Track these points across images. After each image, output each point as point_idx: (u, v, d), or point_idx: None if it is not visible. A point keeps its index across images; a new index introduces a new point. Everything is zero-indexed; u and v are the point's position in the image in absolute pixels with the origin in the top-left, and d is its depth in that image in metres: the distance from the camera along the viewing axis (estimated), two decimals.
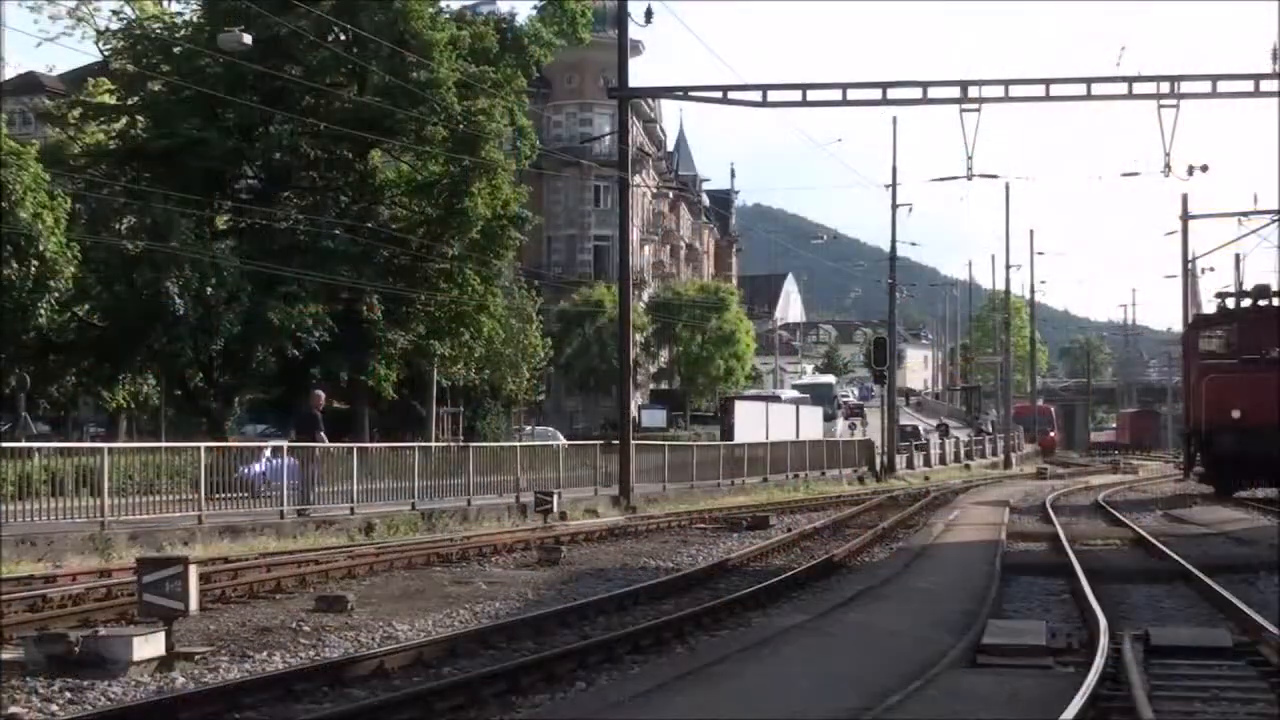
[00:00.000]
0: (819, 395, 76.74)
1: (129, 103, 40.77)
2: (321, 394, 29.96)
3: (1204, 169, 45.41)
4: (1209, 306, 58.41)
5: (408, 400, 45.90)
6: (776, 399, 67.36)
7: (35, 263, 29.98)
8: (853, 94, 34.09)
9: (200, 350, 35.62)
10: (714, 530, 28.40)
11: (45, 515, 20.78)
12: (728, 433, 54.59)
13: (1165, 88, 32.64)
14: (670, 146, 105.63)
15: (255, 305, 35.76)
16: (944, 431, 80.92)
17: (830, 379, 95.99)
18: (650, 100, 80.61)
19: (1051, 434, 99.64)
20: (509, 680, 11.06)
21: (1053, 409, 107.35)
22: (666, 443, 44.62)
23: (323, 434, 26.99)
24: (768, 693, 9.88)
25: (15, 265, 29.67)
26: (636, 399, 67.35)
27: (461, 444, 37.73)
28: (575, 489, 33.59)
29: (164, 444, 29.07)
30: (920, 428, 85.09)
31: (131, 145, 39.40)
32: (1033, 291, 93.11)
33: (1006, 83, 33.88)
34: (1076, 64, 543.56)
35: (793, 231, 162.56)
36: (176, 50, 39.36)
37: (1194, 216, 63.95)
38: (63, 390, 41.28)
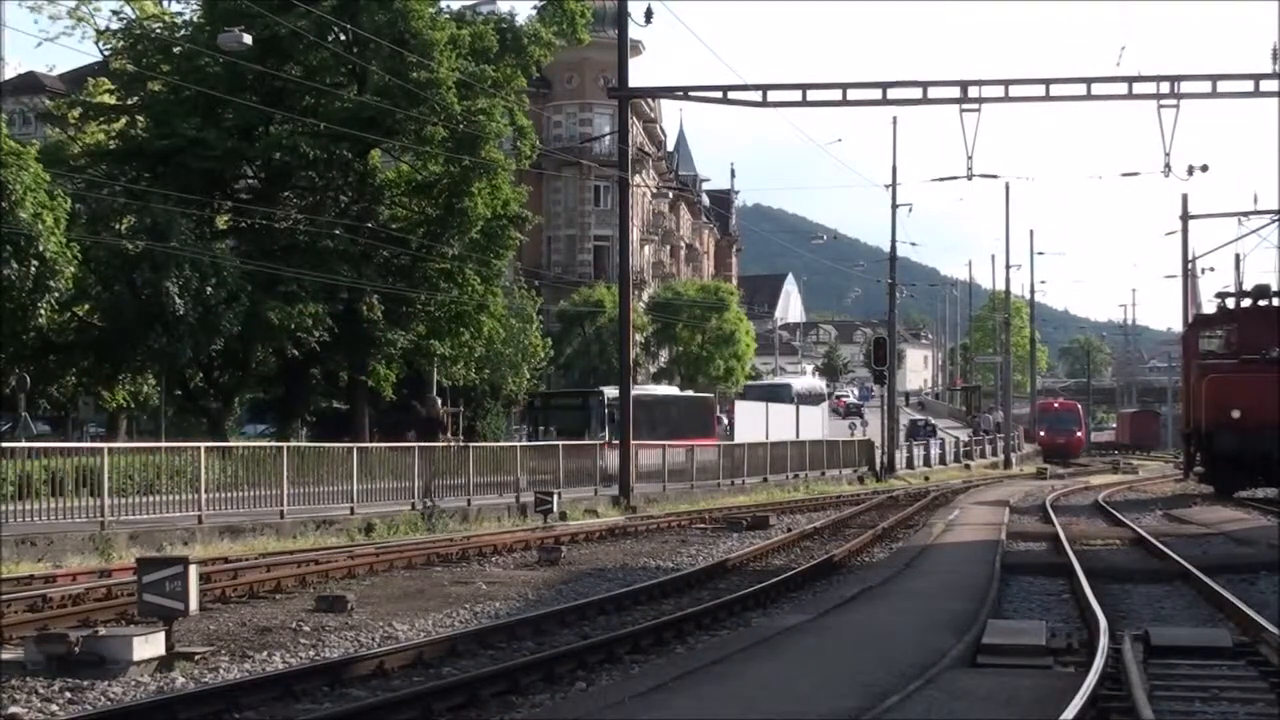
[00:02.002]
0: (775, 398, 66.15)
1: (129, 103, 40.77)
2: (439, 399, 32.54)
3: (1204, 169, 45.45)
4: (1209, 306, 58.44)
5: (408, 400, 45.92)
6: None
7: (35, 263, 29.95)
8: (853, 94, 34.10)
9: (200, 350, 35.59)
10: (714, 530, 28.41)
11: (45, 515, 20.79)
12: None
13: (1165, 88, 32.65)
14: (670, 146, 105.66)
15: (255, 305, 35.75)
16: (931, 432, 77.90)
17: (789, 380, 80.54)
18: (650, 100, 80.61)
19: (1078, 433, 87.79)
20: (509, 680, 11.07)
21: (1079, 405, 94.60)
22: (666, 443, 44.59)
23: (447, 435, 30.82)
24: (768, 693, 9.88)
25: (15, 265, 29.63)
26: None
27: (461, 444, 37.73)
28: (575, 489, 33.59)
29: (164, 444, 29.08)
30: (937, 424, 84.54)
31: (131, 145, 39.39)
32: (1033, 291, 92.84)
33: (1006, 83, 33.89)
34: (1076, 64, 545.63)
35: (793, 231, 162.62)
36: (176, 50, 39.35)
37: (1194, 216, 63.99)
38: (63, 390, 41.26)
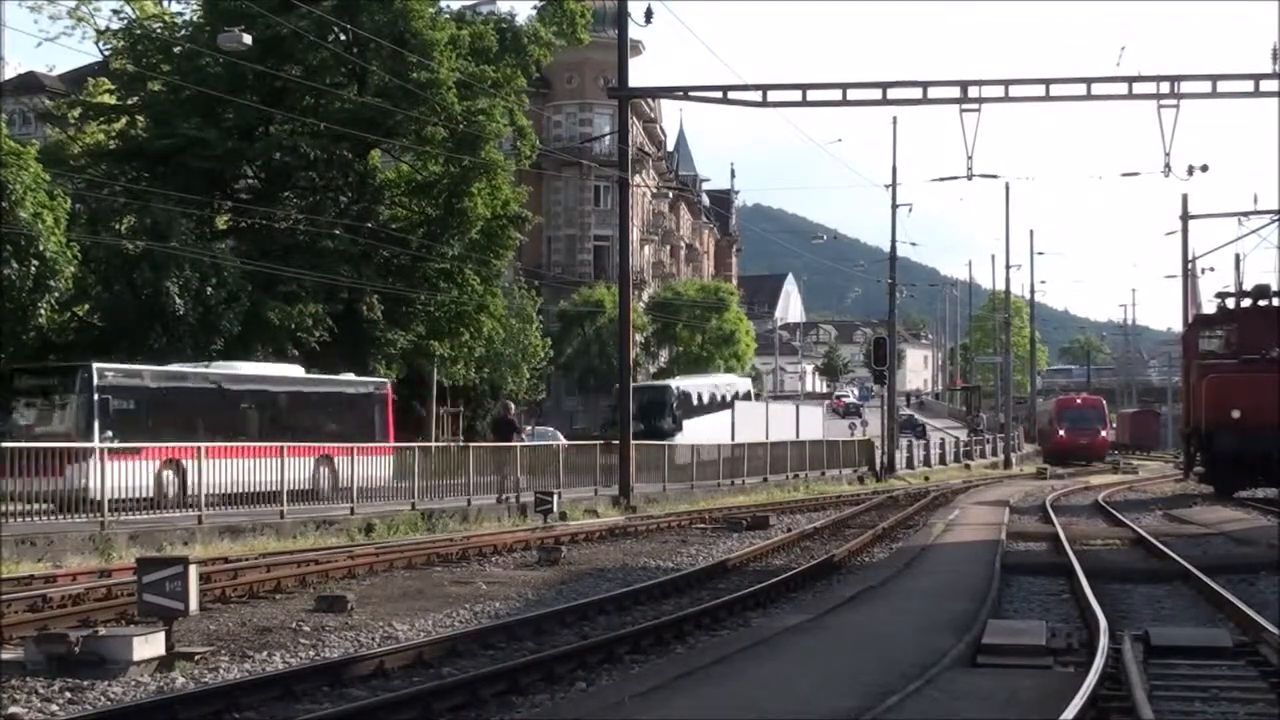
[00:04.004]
0: (649, 401, 55.32)
1: (129, 103, 40.83)
2: (511, 403, 34.33)
3: (1204, 169, 45.37)
4: (1209, 306, 58.40)
5: (408, 400, 45.93)
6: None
7: (35, 263, 29.98)
8: (853, 94, 34.08)
9: (200, 350, 35.60)
10: (714, 530, 28.41)
11: (45, 515, 20.79)
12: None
13: (1165, 88, 32.63)
14: (670, 146, 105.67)
15: (255, 305, 35.77)
16: (920, 432, 76.53)
17: (670, 383, 63.94)
18: (650, 100, 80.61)
19: (1103, 433, 76.85)
20: (509, 680, 11.06)
21: (1103, 401, 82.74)
22: (666, 443, 44.61)
23: (522, 435, 32.29)
24: (768, 693, 9.88)
25: (15, 265, 29.67)
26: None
27: (461, 444, 37.71)
28: (575, 489, 33.57)
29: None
30: (926, 425, 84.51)
31: (131, 145, 39.45)
32: (1033, 291, 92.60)
33: (1006, 83, 33.87)
34: (1076, 64, 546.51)
35: (793, 231, 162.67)
36: (176, 50, 39.41)
37: (1194, 216, 63.92)
38: None
